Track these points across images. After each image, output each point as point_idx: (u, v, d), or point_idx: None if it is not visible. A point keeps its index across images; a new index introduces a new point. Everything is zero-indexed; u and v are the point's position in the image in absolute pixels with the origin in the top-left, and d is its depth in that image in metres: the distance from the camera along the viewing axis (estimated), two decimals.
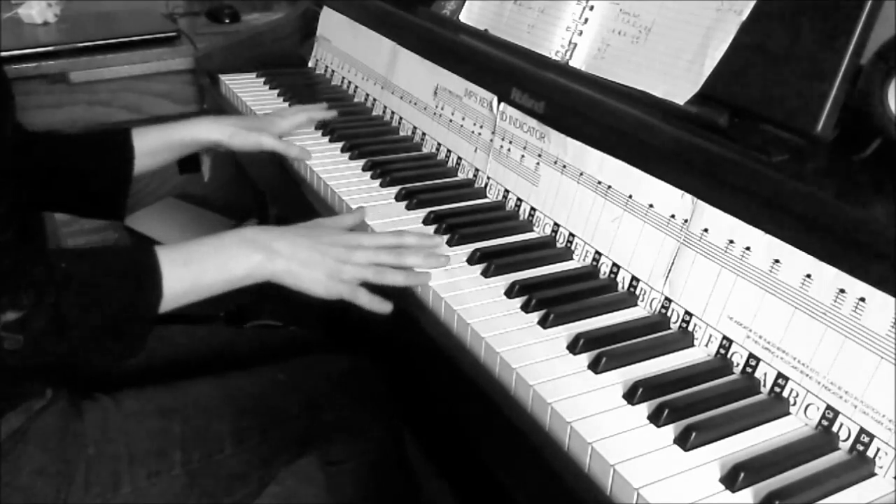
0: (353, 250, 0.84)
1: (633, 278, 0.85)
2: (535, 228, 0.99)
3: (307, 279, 0.82)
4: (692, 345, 0.77)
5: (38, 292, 0.68)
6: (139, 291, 0.74)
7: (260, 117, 1.23)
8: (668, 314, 0.80)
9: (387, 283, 0.84)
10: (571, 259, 0.92)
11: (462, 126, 1.13)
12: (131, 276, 0.75)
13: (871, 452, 0.63)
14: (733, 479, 0.60)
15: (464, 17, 1.20)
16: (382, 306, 0.84)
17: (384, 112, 1.33)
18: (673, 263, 0.80)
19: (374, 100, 1.37)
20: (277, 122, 1.19)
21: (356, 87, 1.43)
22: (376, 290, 0.84)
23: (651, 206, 0.83)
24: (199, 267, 0.78)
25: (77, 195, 1.06)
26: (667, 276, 0.81)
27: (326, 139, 1.24)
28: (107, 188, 1.08)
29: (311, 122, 1.25)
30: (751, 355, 0.72)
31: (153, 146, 1.09)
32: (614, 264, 0.87)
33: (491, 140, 1.07)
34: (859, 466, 0.62)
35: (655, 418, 0.66)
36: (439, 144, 1.18)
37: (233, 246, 0.81)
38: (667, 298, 0.81)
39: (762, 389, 0.71)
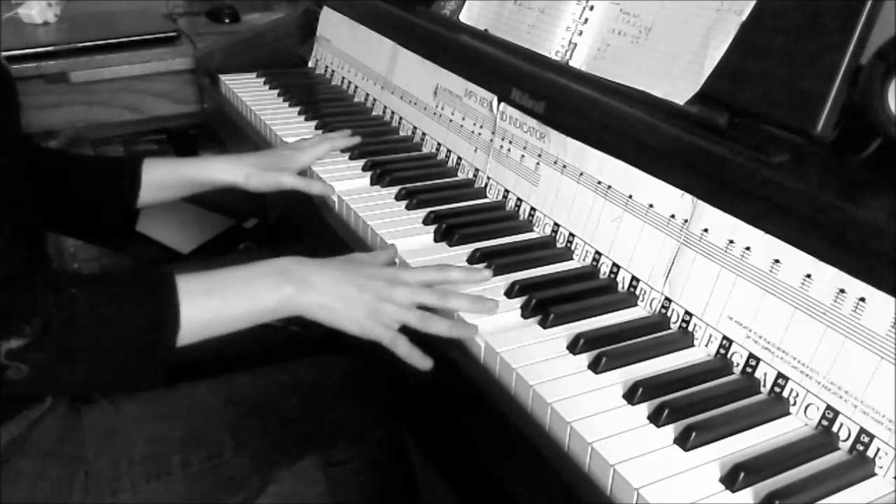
0: (393, 287, 0.78)
1: (633, 278, 0.85)
2: (535, 228, 0.99)
3: (344, 316, 0.77)
4: (692, 345, 0.77)
5: (45, 320, 0.65)
6: (154, 326, 0.70)
7: (278, 152, 1.13)
8: (668, 314, 0.80)
9: (430, 332, 0.78)
10: (571, 259, 0.92)
11: (462, 126, 1.13)
12: (146, 308, 0.70)
13: (871, 452, 0.63)
14: (733, 479, 0.60)
15: (464, 17, 1.20)
16: (423, 362, 0.78)
17: (384, 112, 1.33)
18: (673, 263, 0.80)
19: (374, 100, 1.37)
20: (297, 156, 1.11)
21: (356, 87, 1.43)
22: (413, 338, 0.79)
23: (651, 206, 0.83)
24: (222, 297, 0.73)
25: (76, 220, 1.04)
26: (667, 276, 0.81)
27: None
28: (107, 217, 1.05)
29: (334, 150, 1.17)
30: (751, 355, 0.72)
31: (163, 180, 1.05)
32: (614, 264, 0.87)
33: (491, 140, 1.07)
34: (859, 466, 0.62)
35: (655, 418, 0.66)
36: (439, 144, 1.18)
37: (261, 276, 0.76)
38: (667, 298, 0.81)
39: (762, 389, 0.71)
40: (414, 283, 0.80)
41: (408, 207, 1.04)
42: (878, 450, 0.62)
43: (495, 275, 0.87)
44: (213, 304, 0.73)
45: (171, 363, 0.74)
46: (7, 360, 0.64)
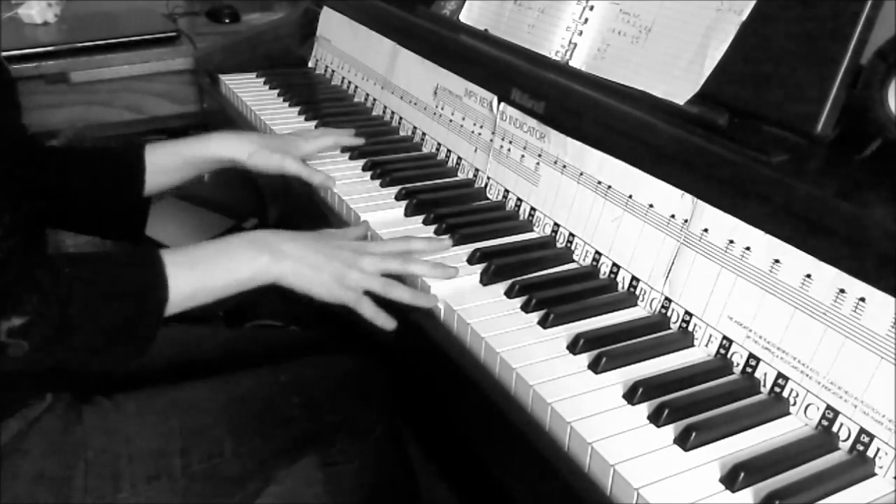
0: (360, 256, 0.84)
1: (633, 278, 0.85)
2: (535, 228, 0.99)
3: (314, 282, 0.82)
4: (692, 345, 0.77)
5: (43, 298, 0.68)
6: (145, 296, 0.74)
7: (282, 137, 1.14)
8: (668, 314, 0.80)
9: (392, 298, 0.83)
10: (571, 259, 0.92)
11: (462, 126, 1.13)
12: (137, 280, 0.75)
13: (871, 452, 0.63)
14: (733, 479, 0.60)
15: (464, 17, 1.20)
16: (387, 322, 0.83)
17: (384, 112, 1.33)
18: (673, 263, 0.80)
19: (374, 100, 1.37)
20: (301, 144, 1.11)
21: (356, 87, 1.43)
22: (383, 305, 0.84)
23: (651, 206, 0.83)
24: (204, 270, 0.78)
25: (87, 215, 1.04)
26: (667, 276, 0.81)
27: None
28: (116, 208, 1.05)
29: (336, 146, 1.17)
30: (751, 355, 0.72)
31: (166, 163, 1.05)
32: (614, 264, 0.87)
33: (491, 140, 1.07)
34: (859, 466, 0.62)
35: (655, 418, 0.66)
36: (439, 144, 1.18)
37: (239, 248, 0.81)
38: (667, 298, 0.81)
39: (762, 389, 0.71)
40: (379, 253, 0.86)
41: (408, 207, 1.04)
42: (878, 450, 0.62)
43: (495, 275, 0.87)
44: (196, 276, 0.78)
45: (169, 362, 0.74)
46: (8, 337, 0.67)
